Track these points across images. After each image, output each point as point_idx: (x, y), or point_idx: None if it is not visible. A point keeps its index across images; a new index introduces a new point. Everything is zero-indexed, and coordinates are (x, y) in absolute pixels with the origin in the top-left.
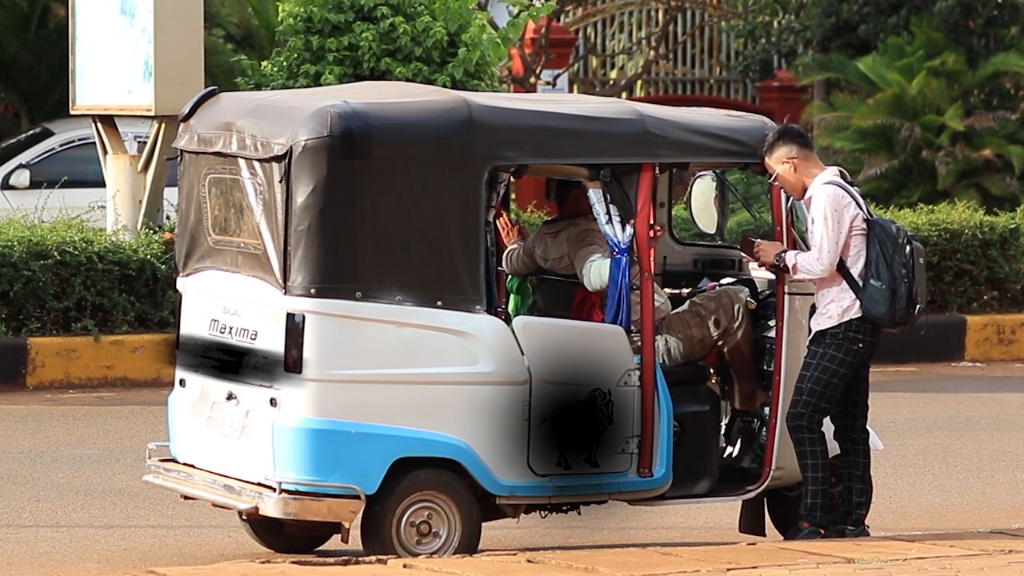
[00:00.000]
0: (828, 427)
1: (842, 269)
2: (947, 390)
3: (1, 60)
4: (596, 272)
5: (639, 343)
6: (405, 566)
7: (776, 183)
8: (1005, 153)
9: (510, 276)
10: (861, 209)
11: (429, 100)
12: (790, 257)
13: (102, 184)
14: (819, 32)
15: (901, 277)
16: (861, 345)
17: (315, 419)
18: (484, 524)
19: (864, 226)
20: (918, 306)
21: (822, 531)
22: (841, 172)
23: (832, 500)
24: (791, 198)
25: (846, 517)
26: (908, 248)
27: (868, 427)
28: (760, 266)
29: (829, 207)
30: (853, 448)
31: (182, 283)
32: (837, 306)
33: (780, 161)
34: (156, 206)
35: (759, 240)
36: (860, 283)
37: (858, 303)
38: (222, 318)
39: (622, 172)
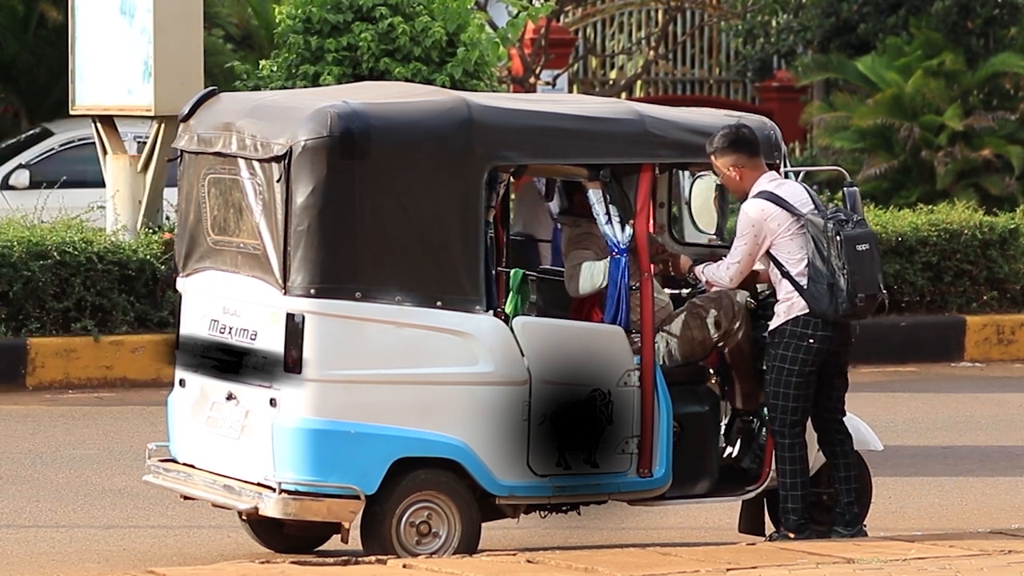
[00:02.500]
0: (811, 434)
1: (784, 272)
2: (947, 390)
3: (0, 60)
4: (588, 276)
5: (639, 343)
6: (405, 566)
7: (720, 181)
8: (1004, 153)
9: (511, 275)
10: (793, 212)
11: (429, 100)
12: (699, 271)
13: (102, 184)
14: (818, 32)
15: (839, 270)
16: (812, 340)
17: (315, 419)
18: (484, 524)
19: (799, 228)
20: (859, 295)
21: (791, 535)
22: (839, 173)
23: (830, 500)
24: None
25: (839, 518)
26: (838, 238)
27: (866, 428)
28: (680, 277)
29: (748, 223)
30: (831, 451)
31: (182, 283)
32: (784, 305)
33: (726, 167)
34: (156, 206)
35: (672, 254)
36: (802, 283)
37: (803, 300)
38: (222, 318)
39: (622, 172)
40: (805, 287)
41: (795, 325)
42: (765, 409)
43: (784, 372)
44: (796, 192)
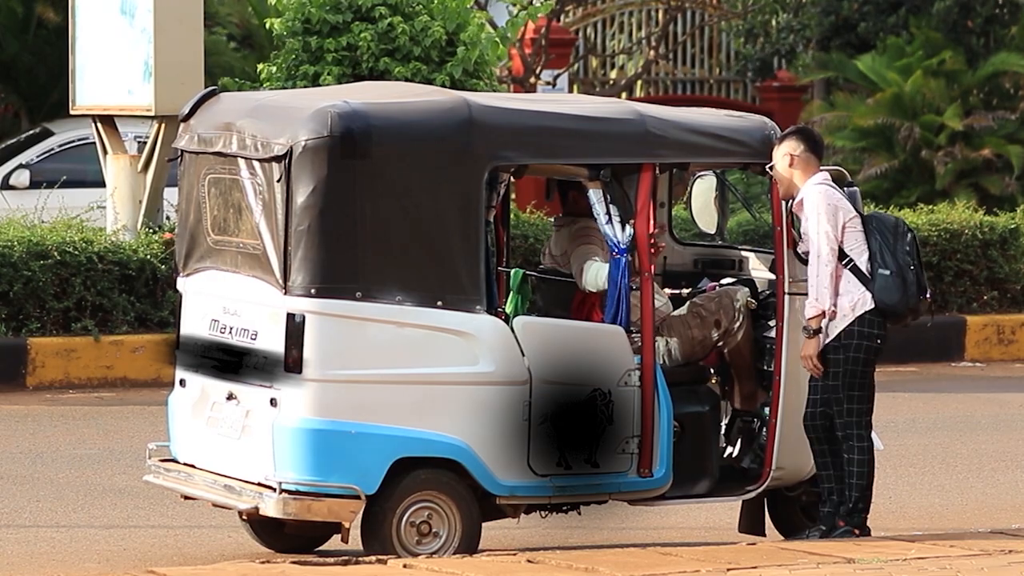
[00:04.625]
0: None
1: (848, 265)
2: (947, 390)
3: (0, 60)
4: (593, 275)
5: (639, 343)
6: (405, 566)
7: (771, 172)
8: (1004, 153)
9: (511, 275)
10: (855, 209)
11: (429, 100)
12: (808, 308)
13: (102, 184)
14: (819, 31)
15: (907, 264)
16: (879, 340)
17: (315, 419)
18: (484, 524)
19: (859, 224)
20: (927, 291)
21: (856, 532)
22: (840, 173)
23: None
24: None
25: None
26: (909, 236)
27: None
28: (816, 331)
29: (822, 202)
30: (848, 447)
31: (182, 283)
32: (848, 299)
33: (782, 154)
34: (156, 206)
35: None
36: (867, 274)
37: (868, 295)
38: (222, 318)
39: (622, 172)
40: (872, 279)
41: (861, 325)
42: (766, 409)
43: (858, 375)
44: (848, 194)
